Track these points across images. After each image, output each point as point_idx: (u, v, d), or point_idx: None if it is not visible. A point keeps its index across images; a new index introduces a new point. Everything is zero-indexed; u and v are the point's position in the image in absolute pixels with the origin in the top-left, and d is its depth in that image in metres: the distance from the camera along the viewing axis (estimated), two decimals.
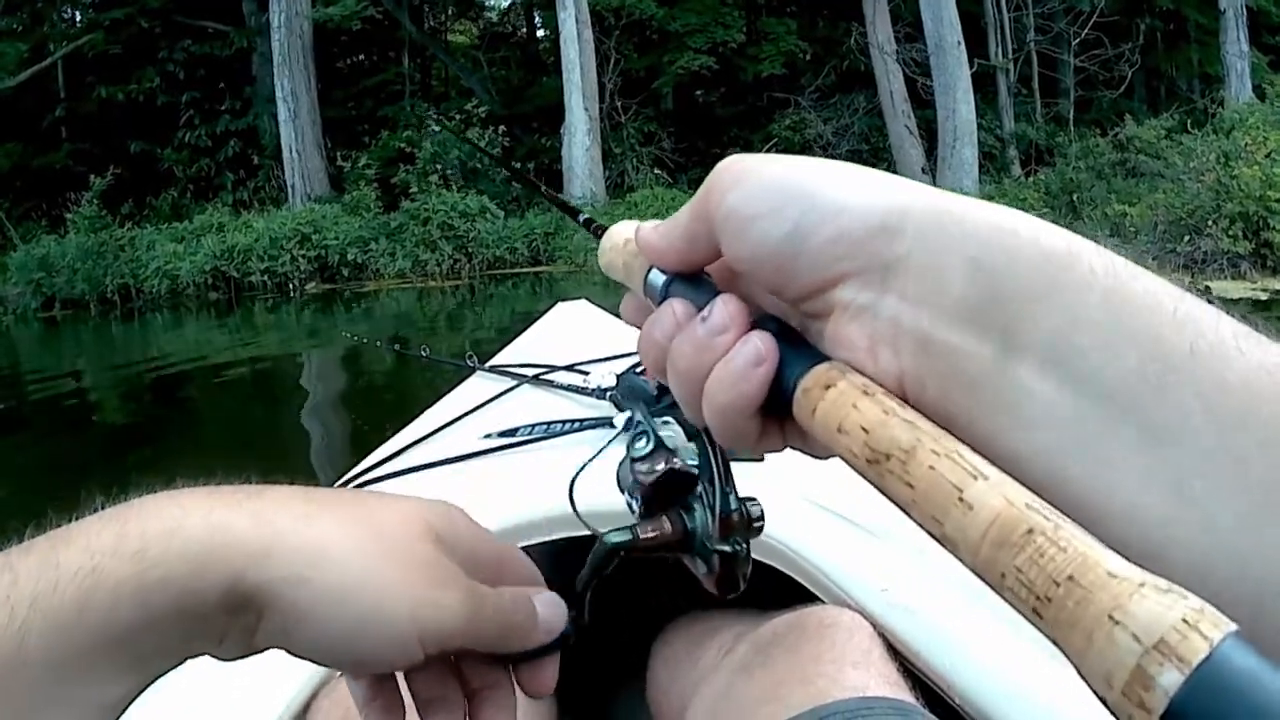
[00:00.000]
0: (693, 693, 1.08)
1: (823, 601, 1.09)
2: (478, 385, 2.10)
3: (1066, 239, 0.42)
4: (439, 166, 19.29)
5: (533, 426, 1.56)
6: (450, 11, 29.90)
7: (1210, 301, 0.40)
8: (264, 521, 0.49)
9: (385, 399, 7.97)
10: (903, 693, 0.91)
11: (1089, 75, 24.04)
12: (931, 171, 20.97)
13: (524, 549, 0.69)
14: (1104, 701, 0.32)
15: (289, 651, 0.50)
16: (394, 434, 1.86)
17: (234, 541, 0.48)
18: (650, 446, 0.72)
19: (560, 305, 2.99)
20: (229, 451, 6.14)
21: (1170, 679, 0.30)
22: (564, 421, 1.56)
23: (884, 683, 0.91)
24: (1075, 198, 17.25)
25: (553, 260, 17.65)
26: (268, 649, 0.50)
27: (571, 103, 20.68)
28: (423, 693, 0.58)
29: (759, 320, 0.50)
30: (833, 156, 20.67)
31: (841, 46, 23.81)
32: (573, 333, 2.64)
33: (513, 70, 28.41)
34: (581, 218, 0.77)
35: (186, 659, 0.49)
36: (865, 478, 0.44)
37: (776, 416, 0.50)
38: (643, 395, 1.46)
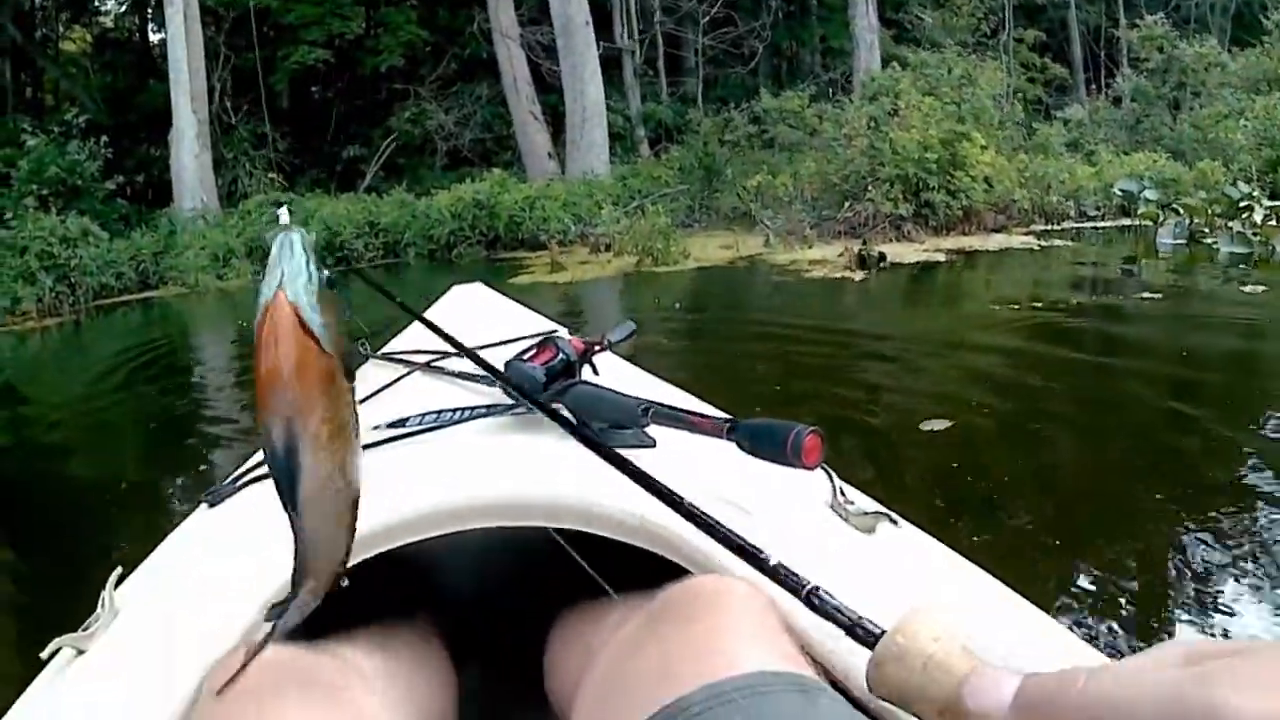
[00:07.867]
0: (585, 671, 1.00)
1: None
2: (370, 374, 2.09)
3: None
4: (34, 187, 16.86)
5: (422, 416, 1.55)
6: (64, 18, 26.96)
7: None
8: None
9: None
10: (804, 669, 0.84)
11: (716, 54, 24.52)
12: (560, 156, 20.74)
13: (408, 545, 0.98)
14: None
15: None
16: None
17: None
18: None
19: (455, 288, 2.99)
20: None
21: None
22: (454, 410, 1.55)
23: (782, 657, 0.84)
24: (711, 171, 17.39)
25: (164, 282, 15.91)
26: None
27: (178, 105, 18.93)
28: None
29: None
30: (455, 147, 19.90)
31: (463, 34, 23.25)
32: (467, 317, 2.60)
33: (120, 76, 25.92)
34: None
35: None
36: None
37: None
38: (530, 383, 1.45)
